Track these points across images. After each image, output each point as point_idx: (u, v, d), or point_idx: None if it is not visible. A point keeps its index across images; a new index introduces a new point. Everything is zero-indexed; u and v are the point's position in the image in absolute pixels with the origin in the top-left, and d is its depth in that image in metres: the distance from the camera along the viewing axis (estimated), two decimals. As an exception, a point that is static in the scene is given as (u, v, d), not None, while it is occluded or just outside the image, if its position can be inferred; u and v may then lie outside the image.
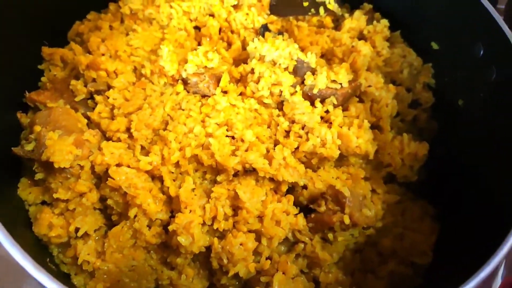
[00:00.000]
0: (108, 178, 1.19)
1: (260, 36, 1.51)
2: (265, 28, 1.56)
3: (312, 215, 1.27)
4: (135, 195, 1.18)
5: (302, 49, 1.54)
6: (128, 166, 1.23)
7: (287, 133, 1.36)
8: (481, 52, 1.38)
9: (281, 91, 1.38)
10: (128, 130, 1.31)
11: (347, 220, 1.22)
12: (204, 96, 1.41)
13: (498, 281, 1.01)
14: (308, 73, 1.41)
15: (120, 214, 1.24)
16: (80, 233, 1.20)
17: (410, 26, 1.67)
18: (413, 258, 1.31)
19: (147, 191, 1.21)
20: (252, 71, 1.39)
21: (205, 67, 1.43)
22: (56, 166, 1.16)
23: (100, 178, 1.26)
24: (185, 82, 1.41)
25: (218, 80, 1.41)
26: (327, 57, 1.59)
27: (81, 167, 1.22)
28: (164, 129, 1.30)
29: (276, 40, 1.45)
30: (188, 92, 1.42)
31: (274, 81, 1.37)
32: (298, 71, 1.41)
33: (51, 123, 1.25)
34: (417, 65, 1.64)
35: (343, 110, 1.43)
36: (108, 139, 1.31)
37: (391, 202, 1.40)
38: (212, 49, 1.52)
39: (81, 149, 1.18)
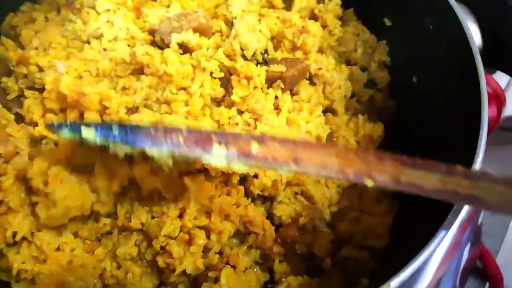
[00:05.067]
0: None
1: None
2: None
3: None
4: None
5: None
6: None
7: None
8: (430, 27, 1.34)
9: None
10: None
11: None
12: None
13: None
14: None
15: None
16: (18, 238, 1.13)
17: (363, 2, 1.62)
18: (369, 242, 1.29)
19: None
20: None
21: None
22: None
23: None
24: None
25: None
26: (278, 39, 1.53)
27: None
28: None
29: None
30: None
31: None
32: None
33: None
34: (372, 43, 1.59)
35: (293, 95, 1.38)
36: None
37: (346, 186, 1.37)
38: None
39: (4, 146, 1.10)
